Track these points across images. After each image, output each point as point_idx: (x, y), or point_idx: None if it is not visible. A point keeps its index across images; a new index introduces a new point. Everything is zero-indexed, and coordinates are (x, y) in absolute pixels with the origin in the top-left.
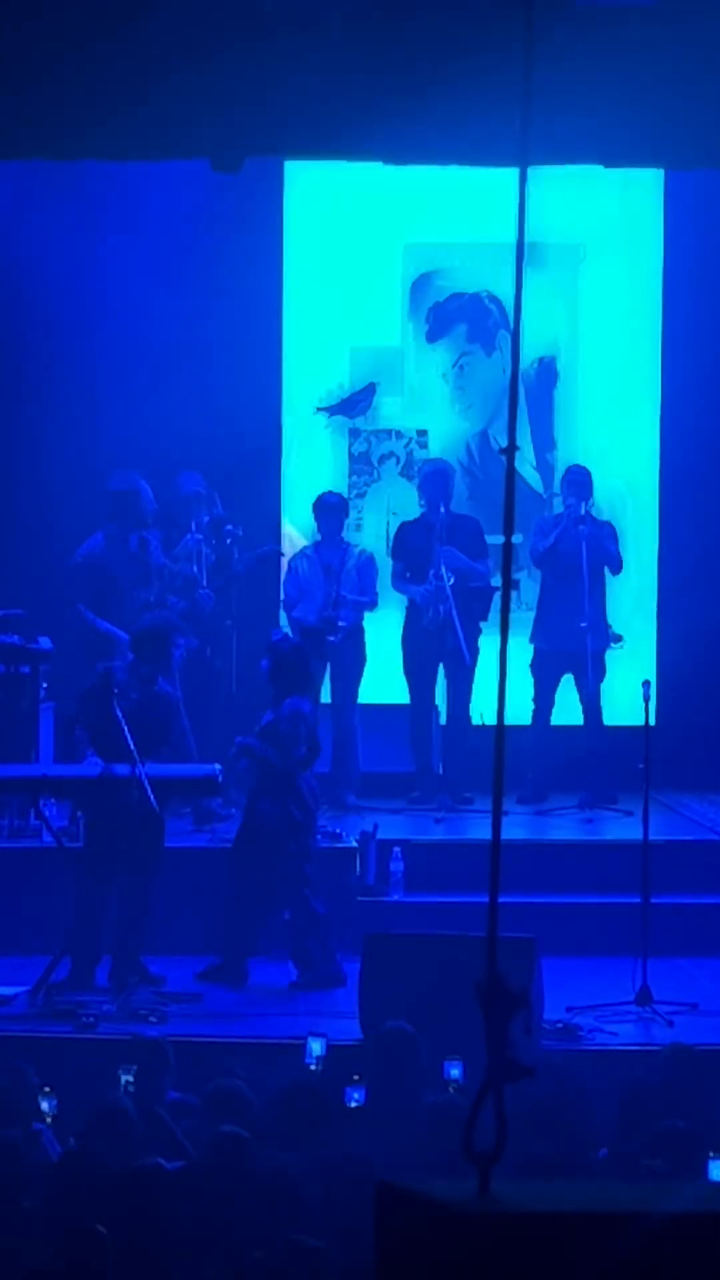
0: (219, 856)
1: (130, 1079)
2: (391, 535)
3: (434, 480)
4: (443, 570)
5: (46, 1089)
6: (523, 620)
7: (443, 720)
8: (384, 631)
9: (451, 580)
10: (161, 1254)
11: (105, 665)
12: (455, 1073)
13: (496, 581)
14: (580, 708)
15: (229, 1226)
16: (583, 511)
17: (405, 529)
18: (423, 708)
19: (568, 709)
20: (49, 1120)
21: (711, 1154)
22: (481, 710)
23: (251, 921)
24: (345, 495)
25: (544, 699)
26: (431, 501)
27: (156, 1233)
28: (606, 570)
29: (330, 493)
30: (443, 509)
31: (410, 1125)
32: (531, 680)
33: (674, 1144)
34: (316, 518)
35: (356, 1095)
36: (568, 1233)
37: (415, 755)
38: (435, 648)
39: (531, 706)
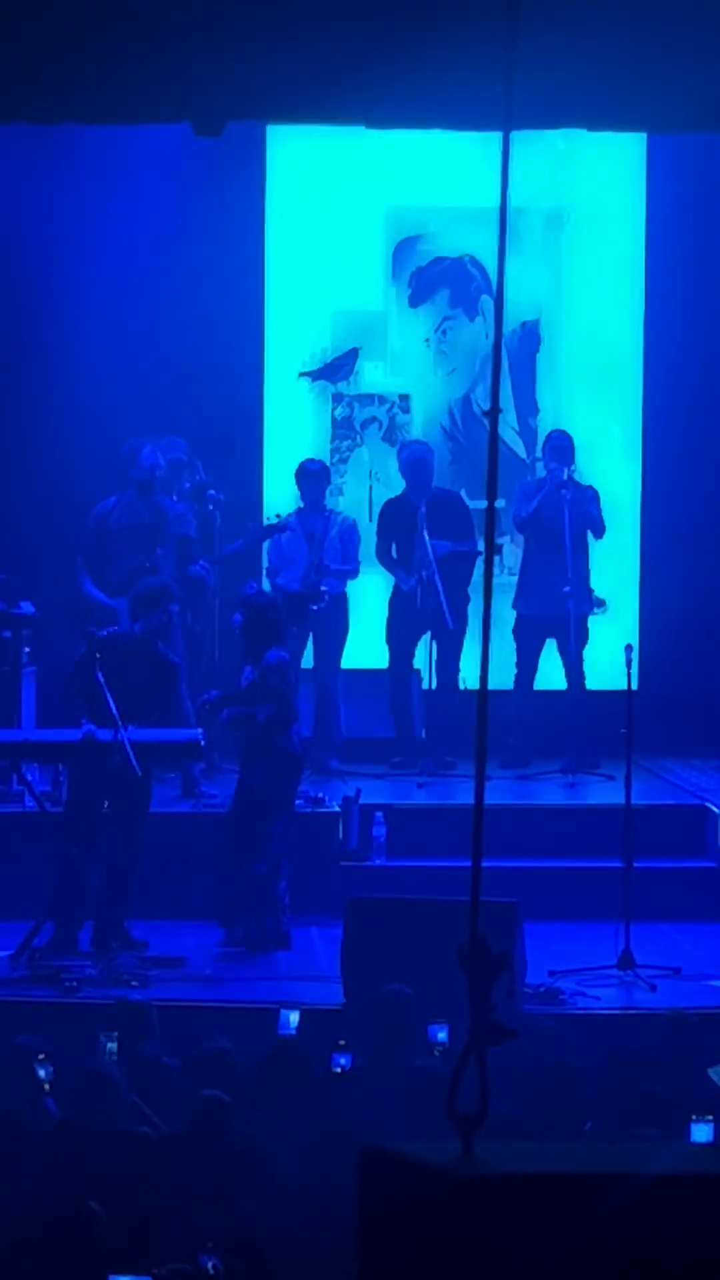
0: (205, 821)
1: (114, 1044)
2: (375, 502)
3: (414, 468)
4: (429, 557)
5: (42, 1056)
6: (505, 585)
7: (426, 685)
8: (366, 598)
9: (433, 567)
10: (146, 1219)
11: (91, 631)
12: (442, 1036)
13: (480, 546)
14: (563, 672)
15: (212, 1191)
16: (565, 476)
17: (390, 507)
18: (403, 673)
19: (550, 674)
20: (47, 1088)
21: (694, 1116)
22: (465, 675)
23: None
24: (327, 461)
25: (526, 664)
26: (415, 486)
27: (140, 1198)
28: (589, 535)
29: (312, 460)
30: (424, 501)
31: (398, 1089)
32: (514, 645)
33: (656, 1109)
34: (299, 484)
35: (342, 1060)
36: (551, 1194)
37: (396, 720)
38: (419, 614)
39: (514, 671)
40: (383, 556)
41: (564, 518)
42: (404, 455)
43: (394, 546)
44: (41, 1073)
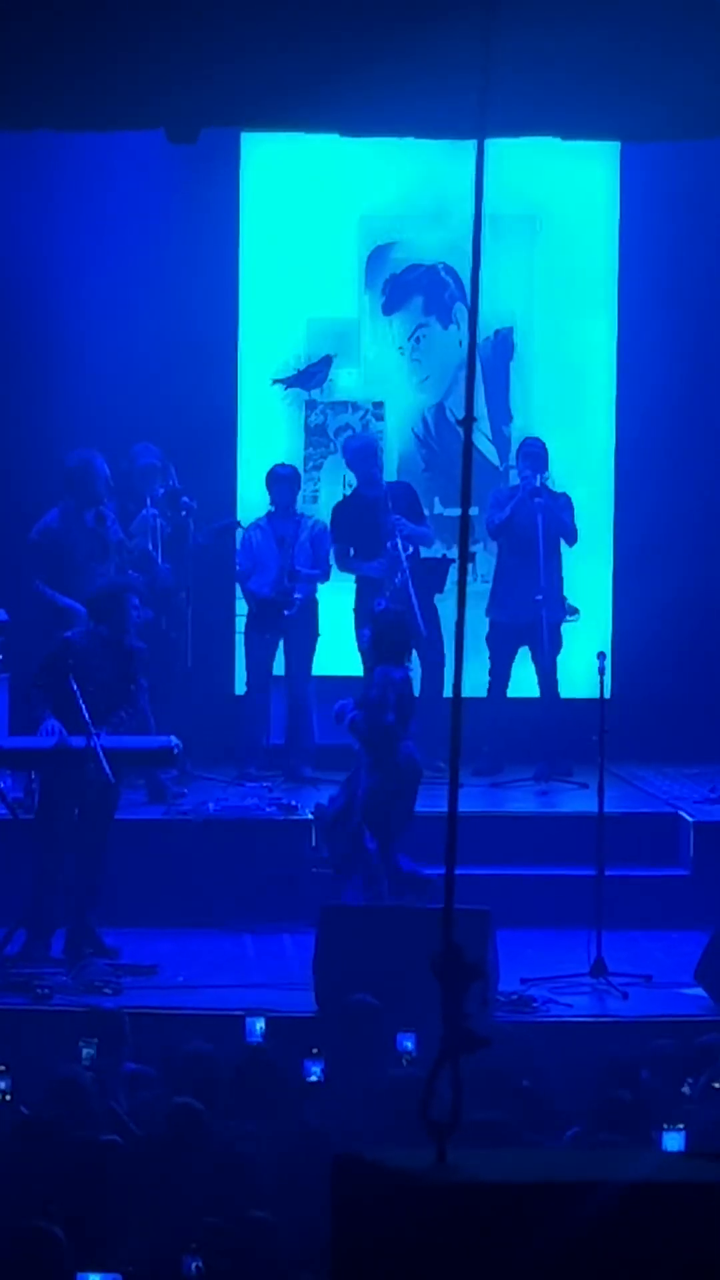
0: (177, 828)
1: (92, 1052)
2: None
3: (362, 455)
4: (399, 541)
5: (1, 1067)
6: (479, 593)
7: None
8: (338, 603)
9: (409, 550)
10: (114, 1227)
11: (66, 634)
12: (408, 1045)
13: (452, 553)
14: (536, 680)
15: (183, 1199)
16: (538, 483)
17: (341, 509)
18: None
19: (524, 681)
20: (7, 1098)
21: (665, 1125)
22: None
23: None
24: (299, 467)
25: (500, 671)
26: (367, 477)
27: (110, 1205)
28: (562, 542)
29: (283, 464)
30: (380, 496)
31: (369, 1098)
32: (487, 653)
33: (623, 1115)
34: (269, 489)
35: (315, 1069)
36: (524, 1202)
37: None
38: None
39: (487, 679)
40: (342, 560)
41: (537, 525)
42: (350, 445)
43: (352, 549)
44: (1, 1084)
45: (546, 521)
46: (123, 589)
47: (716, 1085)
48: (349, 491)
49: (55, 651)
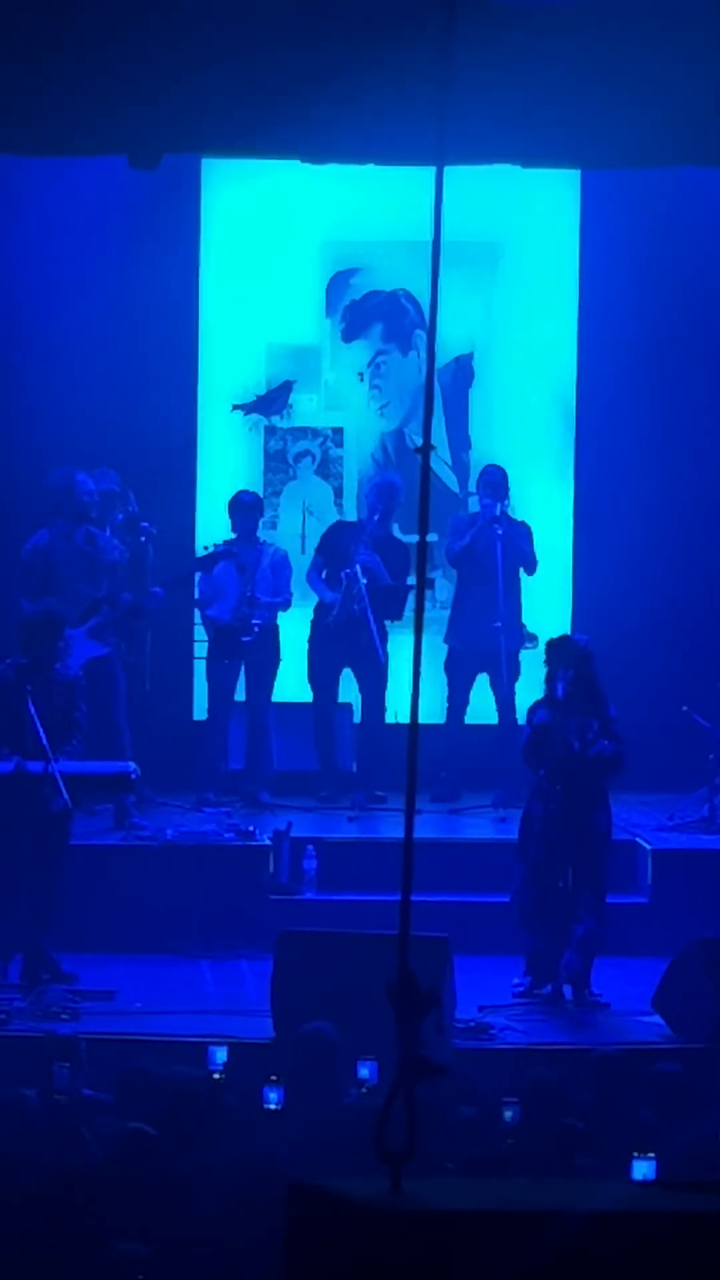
0: (135, 854)
1: (65, 1072)
2: (308, 535)
3: (382, 491)
4: (357, 570)
5: None
6: (437, 619)
7: (357, 719)
8: (298, 630)
9: (364, 581)
10: (65, 1251)
11: (11, 661)
12: (365, 1073)
13: (410, 580)
14: (494, 707)
15: (134, 1226)
16: (498, 512)
17: (337, 529)
18: (325, 705)
19: (482, 708)
20: None
21: (635, 1154)
22: (396, 709)
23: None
24: (261, 494)
25: (458, 698)
26: (374, 516)
27: (61, 1229)
28: (521, 571)
29: (245, 491)
30: (383, 527)
31: (326, 1126)
32: (445, 679)
33: (574, 1143)
34: (231, 516)
35: (274, 1096)
36: (480, 1231)
37: (319, 754)
38: (342, 647)
39: (445, 706)
40: (313, 574)
41: (496, 553)
42: (376, 479)
43: (325, 568)
44: None
45: (506, 549)
46: (51, 619)
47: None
48: (312, 518)
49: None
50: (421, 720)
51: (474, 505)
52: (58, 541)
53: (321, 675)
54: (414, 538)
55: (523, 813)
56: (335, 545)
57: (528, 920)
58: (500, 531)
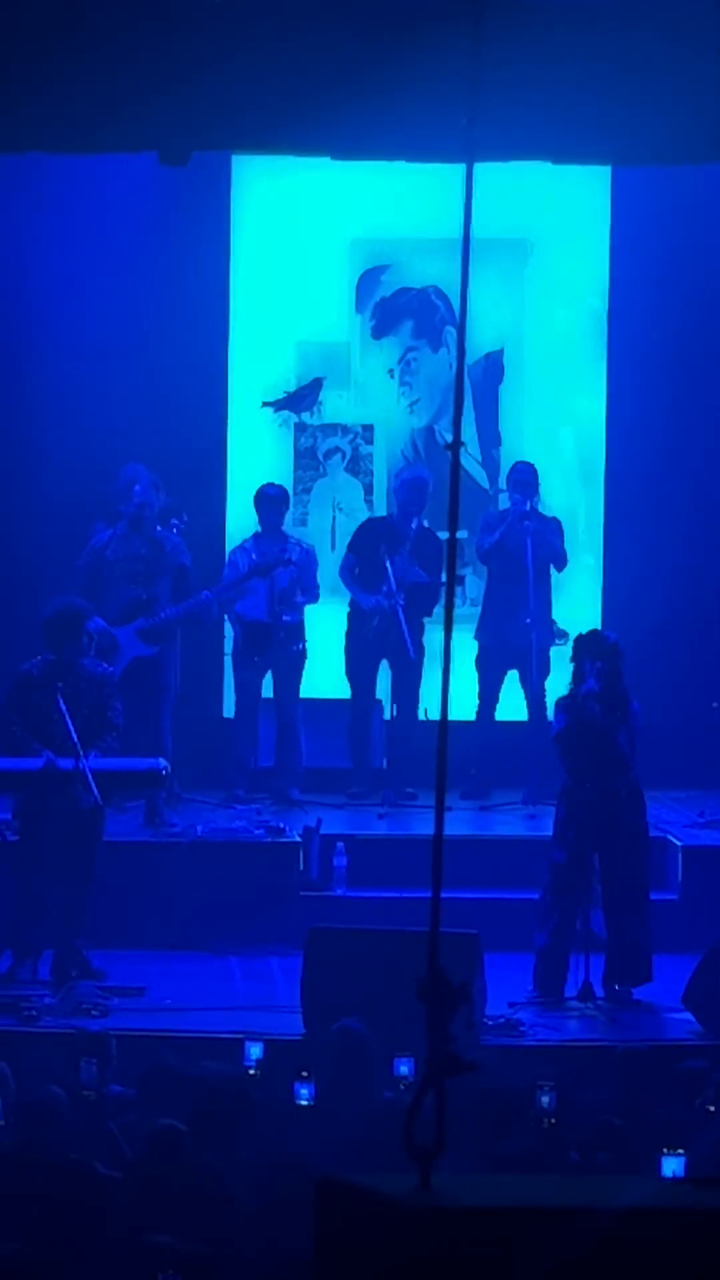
0: (166, 851)
1: (93, 1068)
2: (338, 532)
3: (411, 488)
4: (392, 587)
5: None
6: (467, 616)
7: (387, 715)
8: (325, 626)
9: (401, 598)
10: (91, 1250)
11: (23, 666)
12: (404, 1070)
13: (441, 577)
14: (524, 703)
15: (163, 1223)
16: (528, 508)
17: (369, 526)
18: (363, 704)
19: (512, 705)
20: None
21: (665, 1150)
22: (426, 706)
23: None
24: (287, 488)
25: (488, 695)
26: (405, 512)
27: (90, 1227)
28: (551, 567)
29: (271, 484)
30: (415, 522)
31: (356, 1123)
32: (476, 676)
33: (613, 1140)
34: (257, 509)
35: (305, 1092)
36: (510, 1228)
37: (353, 750)
38: (378, 644)
39: (476, 702)
40: (346, 572)
41: (526, 549)
42: (403, 475)
43: (358, 566)
44: None
45: (536, 546)
46: (75, 614)
47: (711, 1109)
48: (342, 514)
49: (13, 686)
50: (452, 717)
51: (504, 502)
52: (117, 542)
53: (359, 672)
54: (445, 534)
55: (556, 815)
56: (367, 542)
57: (542, 917)
58: (530, 527)
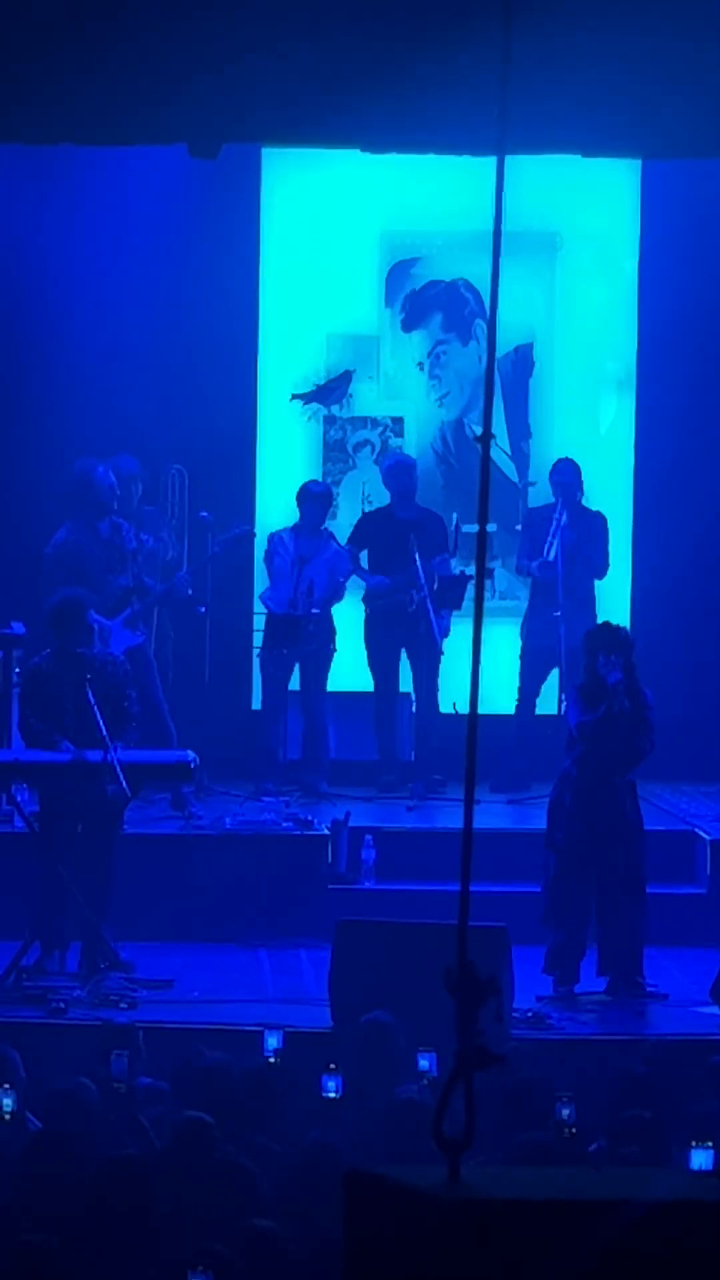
0: (193, 843)
1: (124, 1061)
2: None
3: (397, 472)
4: (418, 568)
5: (6, 1085)
6: (498, 609)
7: (415, 709)
8: (353, 619)
9: (426, 585)
10: (121, 1242)
11: (32, 660)
12: (425, 1064)
13: (470, 569)
14: (559, 701)
15: (192, 1214)
16: (565, 520)
17: (368, 519)
18: (387, 695)
19: (552, 701)
20: (7, 1117)
21: (694, 1143)
22: (454, 700)
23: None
24: (332, 487)
25: (528, 691)
26: (401, 495)
27: (120, 1219)
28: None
29: (315, 481)
30: (411, 515)
31: (385, 1115)
32: (518, 669)
33: (642, 1134)
34: (300, 506)
35: (332, 1084)
36: (538, 1220)
37: (379, 743)
38: (400, 635)
39: (516, 697)
40: (358, 568)
41: (557, 550)
42: (386, 464)
43: (364, 556)
44: (6, 1101)
45: (565, 545)
46: (71, 602)
47: None
48: (371, 507)
49: (26, 682)
50: (491, 711)
51: (533, 495)
52: (81, 535)
53: (380, 661)
54: (474, 527)
55: (550, 801)
56: (371, 537)
57: (552, 913)
58: (564, 521)
